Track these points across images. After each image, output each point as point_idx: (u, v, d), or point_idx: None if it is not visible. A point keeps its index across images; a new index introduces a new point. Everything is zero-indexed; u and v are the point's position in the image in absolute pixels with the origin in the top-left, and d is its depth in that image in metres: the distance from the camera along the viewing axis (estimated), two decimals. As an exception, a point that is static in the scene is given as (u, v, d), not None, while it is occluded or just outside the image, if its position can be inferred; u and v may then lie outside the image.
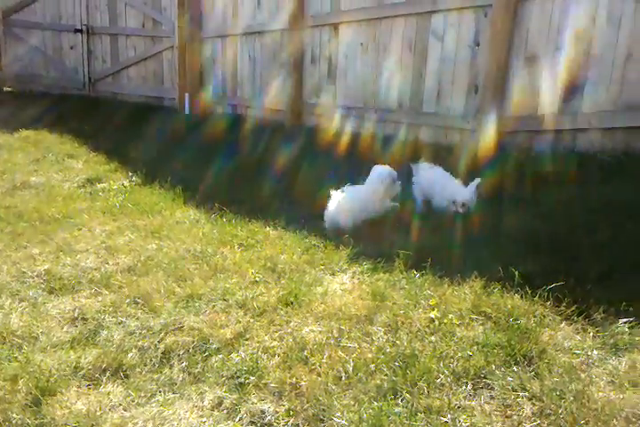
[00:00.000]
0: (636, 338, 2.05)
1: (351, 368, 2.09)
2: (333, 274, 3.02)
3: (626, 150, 3.67)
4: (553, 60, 4.11)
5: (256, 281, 2.93)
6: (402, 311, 2.45)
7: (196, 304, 2.71)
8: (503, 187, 3.77)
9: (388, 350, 2.17)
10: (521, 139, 4.42)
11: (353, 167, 4.58)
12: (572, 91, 4.02)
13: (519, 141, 4.42)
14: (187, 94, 8.02)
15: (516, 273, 2.52)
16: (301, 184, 4.64)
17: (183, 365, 2.27)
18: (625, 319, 2.14)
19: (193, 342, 2.40)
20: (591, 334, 2.14)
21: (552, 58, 4.12)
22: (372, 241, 3.34)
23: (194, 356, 2.32)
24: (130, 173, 5.28)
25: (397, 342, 2.23)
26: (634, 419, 1.68)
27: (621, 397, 1.77)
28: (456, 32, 4.78)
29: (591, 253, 2.69)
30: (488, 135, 4.53)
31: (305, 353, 2.23)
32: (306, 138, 5.98)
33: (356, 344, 2.26)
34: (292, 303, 2.64)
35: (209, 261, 3.19)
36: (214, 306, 2.68)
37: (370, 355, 2.17)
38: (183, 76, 8.12)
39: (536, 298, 2.36)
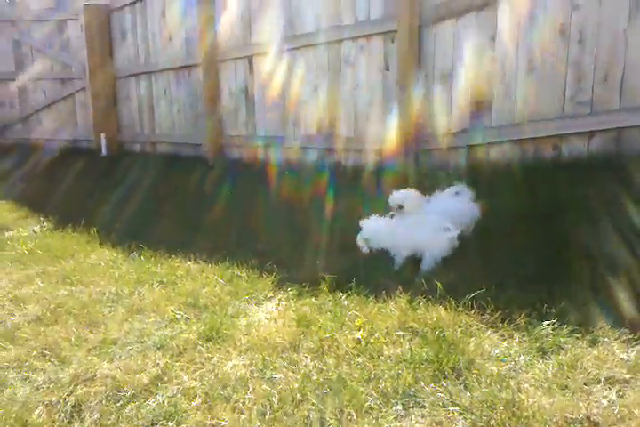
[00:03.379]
0: (561, 339, 2.03)
1: (276, 401, 1.95)
2: (258, 303, 2.89)
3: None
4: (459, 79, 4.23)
5: (176, 319, 2.75)
6: (328, 335, 2.34)
7: (110, 350, 2.50)
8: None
9: (314, 378, 2.05)
10: (437, 155, 4.49)
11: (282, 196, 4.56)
12: (481, 107, 4.14)
13: (436, 158, 4.49)
14: (102, 135, 7.79)
15: (439, 284, 2.48)
16: (224, 216, 4.52)
17: (95, 417, 2.06)
18: (547, 322, 2.12)
19: (106, 391, 2.20)
20: (517, 339, 2.10)
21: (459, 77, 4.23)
22: (297, 266, 3.24)
23: (107, 406, 2.11)
24: (41, 219, 4.99)
25: (324, 367, 2.12)
26: (565, 423, 1.63)
27: (552, 401, 1.72)
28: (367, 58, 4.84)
29: (509, 258, 2.70)
30: (403, 154, 4.58)
31: (227, 390, 2.07)
32: (230, 170, 5.89)
33: (281, 375, 2.13)
34: (213, 338, 2.48)
35: (125, 302, 2.99)
36: (130, 350, 2.48)
37: (296, 384, 2.04)
38: (98, 117, 7.90)
39: (460, 308, 2.31)
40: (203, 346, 2.43)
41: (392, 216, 3.27)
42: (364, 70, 4.88)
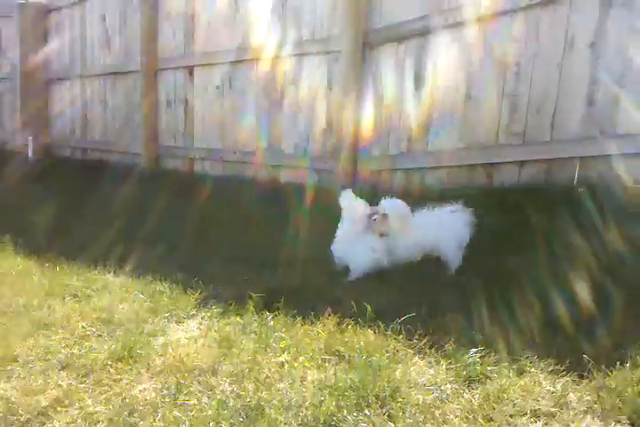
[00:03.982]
0: (488, 368, 1.97)
1: (187, 429, 1.79)
2: (179, 321, 2.72)
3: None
4: (401, 102, 4.24)
5: (87, 335, 2.54)
6: (250, 358, 2.20)
7: (9, 368, 2.26)
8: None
9: (231, 404, 1.91)
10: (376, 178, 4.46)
11: (205, 209, 4.40)
12: (421, 131, 4.16)
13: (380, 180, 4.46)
14: (30, 138, 7.38)
15: (369, 307, 2.40)
16: (155, 227, 4.32)
17: (-20, 445, 1.83)
18: (475, 349, 2.06)
19: (-1, 414, 1.97)
20: (444, 366, 2.03)
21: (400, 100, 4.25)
22: (224, 282, 3.10)
23: (-3, 432, 1.89)
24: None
25: (242, 393, 1.97)
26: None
27: (476, 432, 1.65)
28: (310, 76, 4.80)
29: (442, 283, 2.66)
30: (346, 175, 4.54)
31: (134, 417, 1.89)
32: (161, 181, 5.69)
33: (195, 400, 1.97)
34: (125, 358, 2.29)
35: (32, 315, 2.74)
36: (31, 369, 2.25)
37: (210, 411, 1.89)
38: (26, 119, 7.50)
39: (389, 332, 2.23)
40: (112, 367, 2.24)
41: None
42: (306, 88, 4.83)
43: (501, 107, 3.69)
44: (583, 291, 2.33)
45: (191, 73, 5.93)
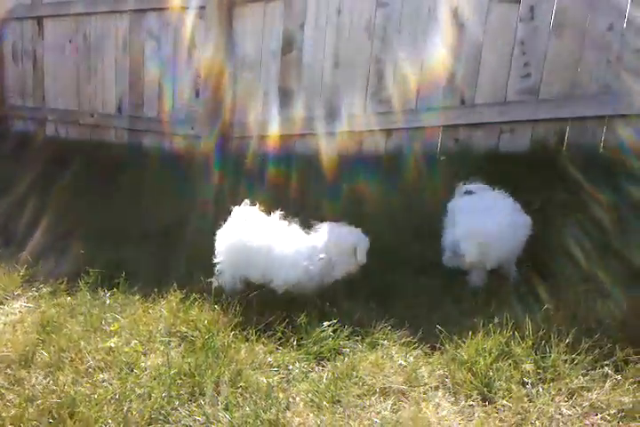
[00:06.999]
0: (340, 342, 1.81)
1: (-23, 436, 1.47)
2: (1, 303, 2.32)
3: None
4: (268, 66, 3.97)
5: None
6: (73, 344, 1.88)
7: None
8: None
9: (39, 402, 1.59)
10: (243, 143, 4.17)
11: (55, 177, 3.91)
12: (288, 96, 3.91)
13: (242, 146, 4.17)
14: None
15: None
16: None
17: None
18: (328, 322, 1.89)
19: None
20: (294, 342, 1.84)
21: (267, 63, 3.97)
22: (58, 257, 2.71)
23: None
24: None
25: (56, 387, 1.66)
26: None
27: (320, 420, 1.47)
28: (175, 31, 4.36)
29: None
30: (213, 141, 4.22)
31: None
32: (4, 146, 5.01)
33: (-4, 398, 1.63)
34: None
35: None
36: None
37: (14, 411, 1.57)
38: None
39: (238, 308, 2.00)
40: None
41: None
42: (171, 45, 4.40)
43: (369, 74, 3.54)
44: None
45: (40, 24, 5.23)
